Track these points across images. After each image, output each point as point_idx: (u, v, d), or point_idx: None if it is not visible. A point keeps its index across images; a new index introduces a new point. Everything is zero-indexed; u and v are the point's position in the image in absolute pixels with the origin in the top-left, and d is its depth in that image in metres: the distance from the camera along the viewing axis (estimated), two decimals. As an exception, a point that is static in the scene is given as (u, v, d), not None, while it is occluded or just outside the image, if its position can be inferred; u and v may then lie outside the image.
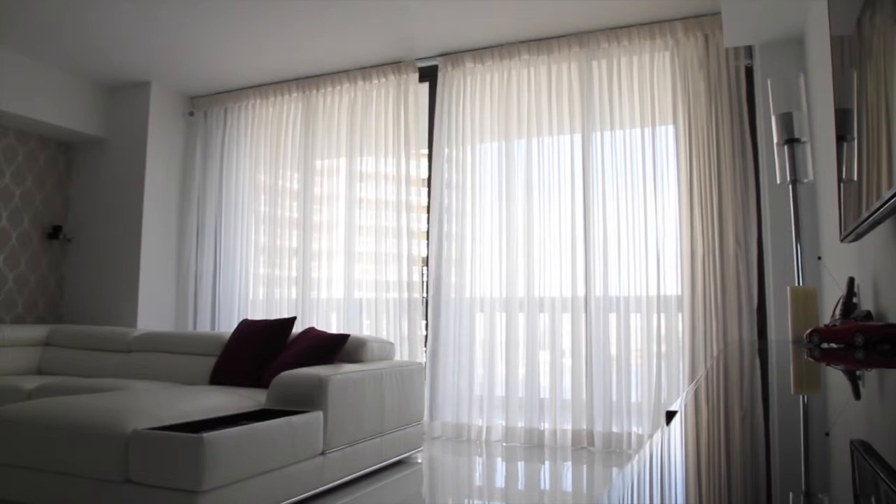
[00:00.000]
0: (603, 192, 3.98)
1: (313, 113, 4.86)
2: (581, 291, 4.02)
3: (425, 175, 4.71)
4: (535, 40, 4.20)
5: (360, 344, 3.55)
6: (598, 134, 4.03)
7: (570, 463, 3.85)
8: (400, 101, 4.59)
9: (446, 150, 4.42)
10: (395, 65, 4.59)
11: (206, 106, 5.21)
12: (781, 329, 3.32)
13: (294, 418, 2.67)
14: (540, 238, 4.14)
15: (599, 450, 3.84)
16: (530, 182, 4.18)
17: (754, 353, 1.76)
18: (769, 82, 2.50)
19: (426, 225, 4.64)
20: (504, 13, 3.87)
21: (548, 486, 3.46)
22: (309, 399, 2.86)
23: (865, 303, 1.98)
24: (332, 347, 3.39)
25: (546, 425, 4.05)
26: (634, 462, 0.46)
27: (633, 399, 3.82)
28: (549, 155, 4.17)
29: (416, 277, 4.58)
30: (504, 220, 4.21)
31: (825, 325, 1.69)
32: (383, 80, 4.64)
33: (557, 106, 4.14)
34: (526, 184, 4.18)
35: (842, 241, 1.73)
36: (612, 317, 3.93)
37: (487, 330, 4.27)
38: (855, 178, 1.56)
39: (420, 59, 4.54)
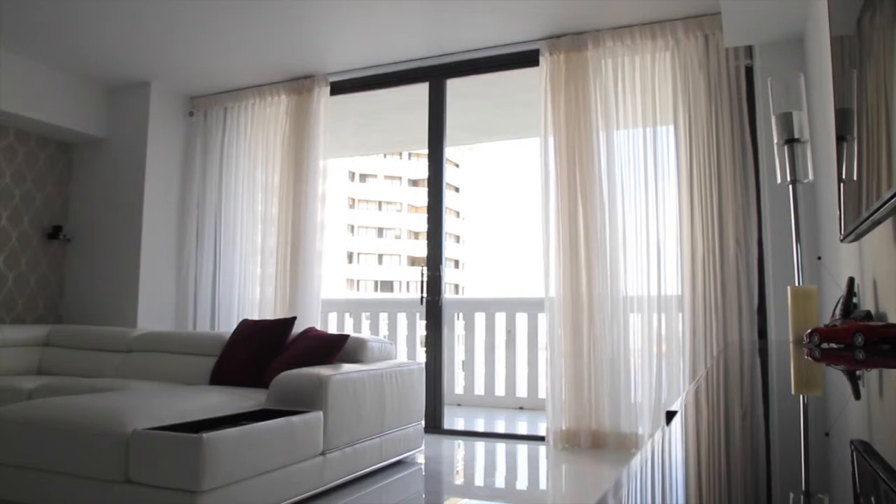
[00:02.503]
0: (608, 193, 3.97)
1: (312, 113, 4.86)
2: (581, 291, 4.01)
3: (427, 177, 4.71)
4: (532, 40, 4.20)
5: (360, 344, 3.55)
6: (595, 134, 4.02)
7: (570, 462, 3.85)
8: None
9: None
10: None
11: (206, 106, 5.21)
12: (781, 329, 3.31)
13: (294, 418, 2.67)
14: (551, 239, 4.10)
15: (600, 449, 3.83)
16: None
17: (754, 353, 1.76)
18: (769, 82, 2.50)
19: (426, 225, 4.65)
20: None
21: (548, 486, 3.46)
22: (309, 399, 2.86)
23: (865, 303, 1.98)
24: (332, 347, 3.39)
25: (548, 425, 4.05)
26: (635, 462, 0.46)
27: (634, 399, 3.82)
28: (553, 155, 4.17)
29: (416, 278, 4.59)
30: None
31: (825, 325, 1.69)
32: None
33: (577, 104, 4.11)
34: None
35: (842, 241, 1.73)
36: (613, 316, 3.92)
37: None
38: (855, 178, 1.56)
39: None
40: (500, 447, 4.17)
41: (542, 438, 4.03)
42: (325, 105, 4.80)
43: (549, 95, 4.12)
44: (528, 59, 4.27)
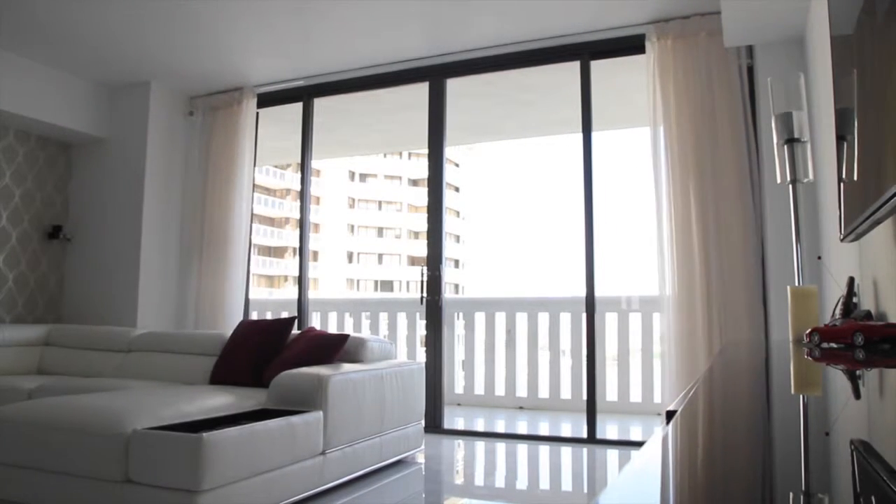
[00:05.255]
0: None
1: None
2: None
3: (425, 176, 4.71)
4: (534, 40, 4.20)
5: (360, 344, 3.55)
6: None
7: (570, 462, 3.85)
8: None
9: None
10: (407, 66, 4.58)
11: (206, 106, 5.20)
12: (781, 329, 3.31)
13: (294, 418, 2.67)
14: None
15: (600, 449, 3.84)
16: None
17: (754, 352, 1.76)
18: (769, 82, 2.50)
19: (426, 225, 4.66)
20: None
21: (548, 486, 3.46)
22: (309, 399, 2.86)
23: (865, 303, 1.98)
24: (332, 347, 3.39)
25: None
26: (634, 462, 0.46)
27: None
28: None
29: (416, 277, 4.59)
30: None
31: (825, 325, 1.69)
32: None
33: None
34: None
35: (842, 241, 1.73)
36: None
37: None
38: (855, 177, 1.56)
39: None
40: (522, 448, 4.16)
41: (563, 440, 4.02)
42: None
43: (658, 82, 3.88)
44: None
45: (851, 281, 1.98)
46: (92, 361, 4.19)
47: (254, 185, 5.11)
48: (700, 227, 3.68)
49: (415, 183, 36.33)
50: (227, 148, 5.07)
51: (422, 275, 4.54)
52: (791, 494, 0.40)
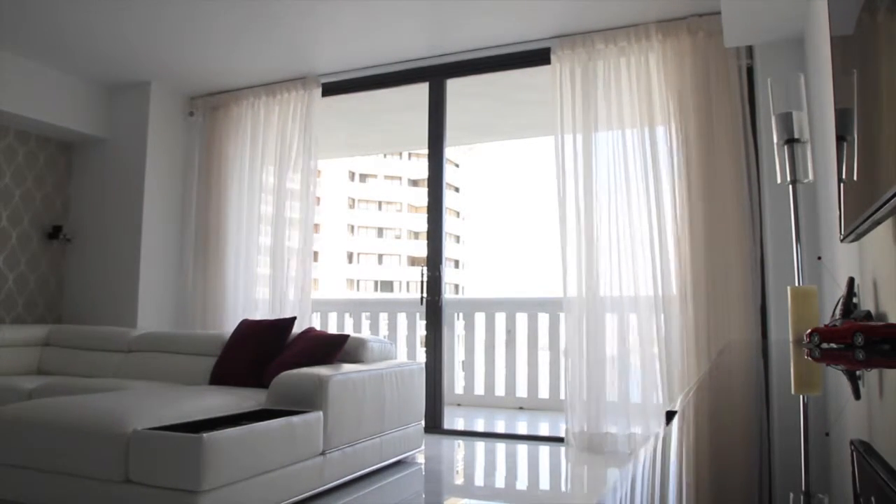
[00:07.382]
0: (613, 193, 3.96)
1: (313, 113, 4.85)
2: (581, 291, 4.01)
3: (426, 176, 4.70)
4: (533, 40, 4.20)
5: (360, 344, 3.55)
6: (598, 134, 4.02)
7: (570, 463, 3.85)
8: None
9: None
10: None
11: (206, 106, 5.20)
12: (781, 329, 3.31)
13: (294, 418, 2.67)
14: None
15: (599, 450, 3.83)
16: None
17: (754, 352, 1.76)
18: (769, 82, 2.50)
19: (426, 225, 4.66)
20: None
21: (548, 486, 3.46)
22: (309, 399, 2.86)
23: (865, 303, 1.98)
24: (332, 347, 3.39)
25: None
26: (635, 462, 0.46)
27: (633, 399, 3.82)
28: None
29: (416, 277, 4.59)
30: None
31: (825, 325, 1.69)
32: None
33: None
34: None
35: (842, 241, 1.73)
36: (613, 317, 3.92)
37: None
38: (855, 178, 1.56)
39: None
40: (522, 448, 4.14)
41: (561, 440, 4.03)
42: (319, 106, 4.83)
43: (560, 93, 4.06)
44: (536, 57, 4.24)
45: (851, 281, 1.98)
46: (92, 362, 4.19)
47: (281, 183, 5.01)
48: (690, 228, 3.69)
49: (415, 183, 36.33)
50: (227, 147, 5.06)
51: (422, 275, 4.54)
52: (791, 494, 0.40)
